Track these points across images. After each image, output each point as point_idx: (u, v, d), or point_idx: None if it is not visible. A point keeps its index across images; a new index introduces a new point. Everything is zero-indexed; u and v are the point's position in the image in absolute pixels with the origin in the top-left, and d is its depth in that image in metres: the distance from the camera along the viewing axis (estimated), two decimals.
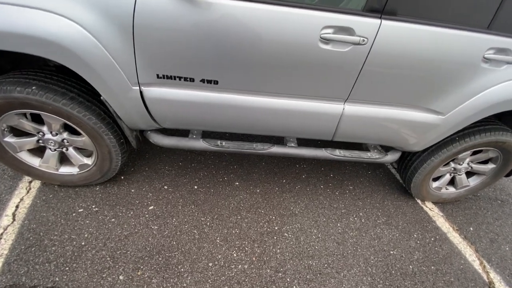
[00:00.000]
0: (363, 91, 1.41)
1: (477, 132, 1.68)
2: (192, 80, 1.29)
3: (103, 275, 1.35)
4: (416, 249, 1.76)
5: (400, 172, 2.06)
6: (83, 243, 1.47)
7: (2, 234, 1.44)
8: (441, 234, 1.90)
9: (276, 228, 1.73)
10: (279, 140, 1.83)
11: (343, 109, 1.48)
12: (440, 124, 1.55)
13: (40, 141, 1.53)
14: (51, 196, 1.67)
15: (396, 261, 1.67)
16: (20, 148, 1.53)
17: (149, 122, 1.48)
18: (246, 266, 1.50)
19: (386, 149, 1.92)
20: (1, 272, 1.29)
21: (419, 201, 2.14)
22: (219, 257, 1.52)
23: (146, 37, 1.15)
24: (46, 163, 1.60)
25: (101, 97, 1.32)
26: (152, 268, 1.42)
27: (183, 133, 1.75)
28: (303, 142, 2.01)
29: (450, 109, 1.50)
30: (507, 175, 2.04)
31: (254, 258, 1.54)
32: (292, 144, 1.77)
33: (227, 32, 1.16)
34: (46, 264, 1.36)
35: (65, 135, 1.51)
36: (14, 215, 1.53)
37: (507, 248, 1.90)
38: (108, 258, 1.42)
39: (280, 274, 1.49)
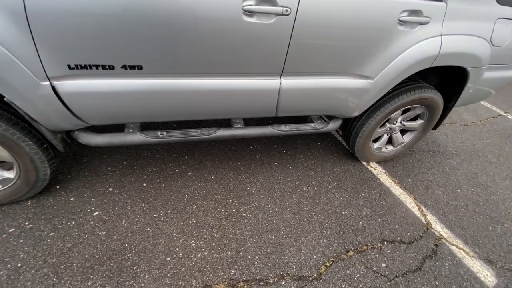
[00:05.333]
0: (295, 63, 1.43)
1: (403, 92, 1.83)
2: (112, 67, 1.18)
3: None
4: (364, 206, 1.92)
5: (345, 138, 2.19)
6: (19, 265, 1.31)
7: None
8: (384, 189, 2.09)
9: (234, 210, 1.74)
10: (228, 124, 1.80)
11: (280, 83, 1.48)
12: (371, 88, 1.66)
13: None
14: None
15: (347, 220, 1.80)
16: None
17: (73, 120, 1.33)
18: (206, 253, 1.49)
19: (329, 118, 2.01)
20: None
21: (364, 163, 2.31)
22: (177, 249, 1.48)
23: (44, 22, 1.00)
24: None
25: (5, 99, 1.14)
26: (104, 275, 1.33)
27: (119, 128, 1.62)
28: (259, 123, 2.01)
29: (377, 73, 1.60)
30: (434, 128, 2.30)
31: (213, 244, 1.54)
32: (239, 125, 1.75)
33: (145, 8, 1.06)
34: None
35: None
36: None
37: (439, 192, 2.16)
38: (51, 275, 1.30)
39: (241, 253, 1.51)
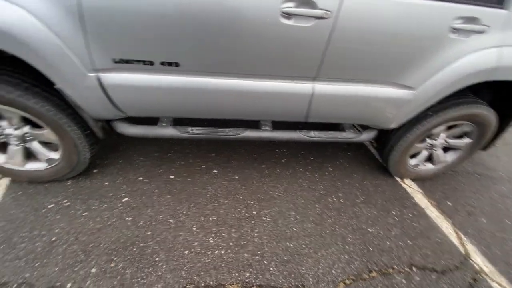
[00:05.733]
0: (331, 68, 1.38)
1: (450, 106, 1.67)
2: (151, 63, 1.24)
3: (75, 269, 1.32)
4: (394, 226, 1.78)
5: (379, 151, 2.07)
6: (53, 239, 1.43)
7: None
8: (419, 210, 1.92)
9: (254, 212, 1.72)
10: (256, 126, 1.80)
11: (313, 88, 1.44)
12: (412, 99, 1.54)
13: (2, 136, 1.46)
14: (20, 193, 1.62)
15: (373, 238, 1.68)
16: None
17: (113, 111, 1.42)
18: (223, 252, 1.49)
19: (363, 128, 1.91)
20: None
21: (398, 179, 2.16)
22: (195, 244, 1.51)
23: (96, 19, 1.09)
24: (11, 159, 1.55)
25: (56, 86, 1.26)
26: (126, 259, 1.39)
27: (154, 121, 1.69)
28: (289, 127, 1.98)
29: (420, 83, 1.48)
30: (484, 149, 2.06)
31: (231, 243, 1.53)
32: (267, 128, 1.74)
33: (185, 10, 1.10)
34: (16, 261, 1.32)
35: (26, 128, 1.45)
36: None
37: (484, 220, 1.93)
38: (80, 252, 1.39)
39: (257, 257, 1.49)
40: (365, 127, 1.89)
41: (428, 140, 1.92)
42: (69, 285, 1.27)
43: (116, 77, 1.26)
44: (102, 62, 1.21)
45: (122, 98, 1.36)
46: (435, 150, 2.00)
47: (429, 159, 2.08)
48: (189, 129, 1.60)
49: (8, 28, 1.03)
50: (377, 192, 2.01)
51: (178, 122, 1.70)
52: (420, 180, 2.19)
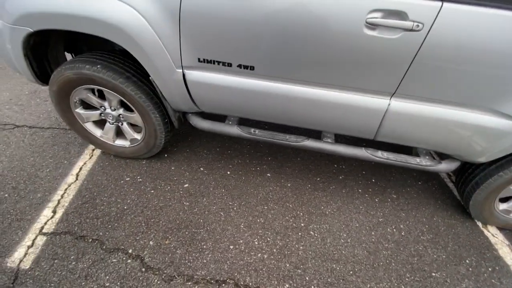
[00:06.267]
0: (414, 85, 1.25)
1: None
2: (229, 65, 1.33)
3: (137, 238, 1.50)
4: (466, 277, 1.50)
5: (458, 186, 1.78)
6: (125, 207, 1.65)
7: (66, 189, 1.72)
8: (502, 265, 1.58)
9: (302, 224, 1.68)
10: (317, 136, 1.76)
11: (389, 104, 1.34)
12: None
13: (102, 115, 1.76)
14: (107, 163, 1.93)
15: (437, 285, 1.45)
16: (87, 119, 1.80)
17: (190, 104, 1.57)
18: (265, 256, 1.49)
19: (442, 156, 1.68)
20: (60, 219, 1.55)
21: (479, 223, 1.82)
22: (241, 241, 1.54)
23: (190, 22, 1.23)
24: (106, 135, 1.85)
25: (150, 78, 1.46)
26: (179, 240, 1.52)
27: (222, 119, 1.81)
28: (351, 142, 1.89)
29: None
30: None
31: (275, 250, 1.52)
32: (329, 140, 1.68)
33: (271, 18, 1.16)
34: (95, 220, 1.57)
35: (121, 111, 1.71)
36: (77, 175, 1.81)
37: None
38: (143, 224, 1.58)
39: (300, 271, 1.44)
40: (444, 156, 1.65)
41: None
42: (130, 250, 1.44)
43: (198, 75, 1.40)
44: (188, 60, 1.35)
45: (199, 94, 1.49)
46: None
47: None
48: (252, 130, 1.66)
49: (124, 25, 1.24)
50: (449, 233, 1.73)
51: (242, 122, 1.78)
52: (510, 230, 1.80)
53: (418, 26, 1.08)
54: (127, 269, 1.36)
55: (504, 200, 1.68)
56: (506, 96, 1.21)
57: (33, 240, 1.44)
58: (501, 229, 1.80)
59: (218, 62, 1.33)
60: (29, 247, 1.41)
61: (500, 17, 1.04)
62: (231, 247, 1.51)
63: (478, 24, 1.07)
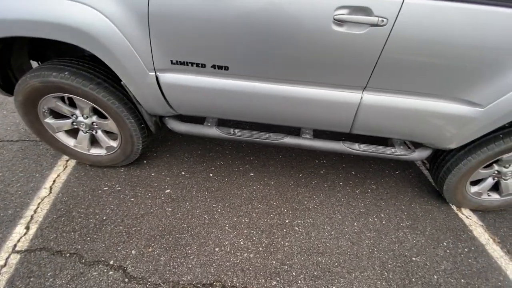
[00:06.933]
0: (383, 78, 1.30)
1: None
2: (203, 66, 1.32)
3: (118, 248, 1.45)
4: (444, 259, 1.57)
5: (432, 173, 1.86)
6: (104, 218, 1.60)
7: (39, 204, 1.63)
8: (477, 245, 1.67)
9: (286, 221, 1.69)
10: (297, 133, 1.78)
11: (361, 98, 1.38)
12: (478, 118, 1.36)
13: (74, 123, 1.69)
14: (82, 174, 1.85)
15: (418, 269, 1.51)
16: (58, 129, 1.72)
17: (166, 108, 1.54)
18: (251, 255, 1.49)
19: (415, 145, 1.75)
20: (34, 235, 1.47)
21: (454, 207, 1.91)
22: (226, 243, 1.53)
23: (159, 24, 1.20)
24: (80, 144, 1.78)
25: (122, 82, 1.42)
26: (162, 246, 1.48)
27: (200, 121, 1.79)
28: (331, 137, 1.92)
29: (490, 101, 1.30)
30: None
31: (260, 248, 1.52)
32: (307, 136, 1.71)
33: (242, 19, 1.16)
34: (72, 233, 1.50)
35: (94, 118, 1.65)
36: (51, 188, 1.73)
37: None
38: (124, 233, 1.53)
39: (286, 267, 1.45)
40: (418, 145, 1.72)
41: (496, 166, 1.67)
42: (111, 261, 1.39)
43: (171, 77, 1.37)
44: (161, 63, 1.33)
45: (174, 97, 1.47)
46: (504, 179, 1.72)
47: (496, 188, 1.80)
48: (232, 130, 1.66)
49: (89, 28, 1.20)
50: (427, 218, 1.81)
51: (222, 123, 1.77)
52: (482, 211, 1.90)
53: (382, 21, 1.12)
54: (109, 281, 1.31)
55: (474, 183, 1.78)
56: (469, 85, 1.28)
57: (6, 259, 1.36)
58: (474, 211, 1.90)
59: (192, 64, 1.32)
60: (2, 266, 1.33)
61: (459, 10, 1.10)
62: (217, 249, 1.50)
63: (439, 18, 1.12)
